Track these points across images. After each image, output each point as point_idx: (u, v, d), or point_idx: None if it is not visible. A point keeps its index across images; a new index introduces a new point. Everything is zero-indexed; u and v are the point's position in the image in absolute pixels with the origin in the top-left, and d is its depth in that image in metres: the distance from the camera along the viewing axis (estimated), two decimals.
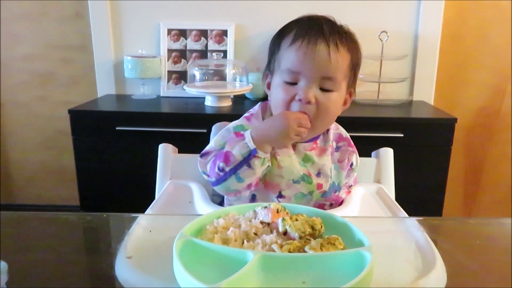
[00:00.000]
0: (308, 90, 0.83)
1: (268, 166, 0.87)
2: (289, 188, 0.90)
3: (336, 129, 0.98)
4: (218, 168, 0.85)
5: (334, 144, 0.96)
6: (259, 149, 0.83)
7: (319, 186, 0.91)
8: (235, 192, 0.88)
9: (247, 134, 0.85)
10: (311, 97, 0.83)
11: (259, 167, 0.84)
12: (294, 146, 0.92)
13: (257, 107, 0.96)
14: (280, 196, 0.91)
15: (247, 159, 0.83)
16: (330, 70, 0.83)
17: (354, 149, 0.98)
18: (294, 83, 0.85)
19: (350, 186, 1.00)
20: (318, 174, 0.92)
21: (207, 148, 0.92)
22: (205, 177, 0.91)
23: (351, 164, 0.97)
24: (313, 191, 0.91)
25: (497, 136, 2.20)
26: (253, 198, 0.92)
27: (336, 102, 0.87)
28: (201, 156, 0.92)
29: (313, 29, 0.83)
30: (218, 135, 0.93)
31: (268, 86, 0.93)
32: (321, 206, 0.93)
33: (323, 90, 0.84)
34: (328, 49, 0.82)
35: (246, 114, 0.96)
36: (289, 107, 0.86)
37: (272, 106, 0.91)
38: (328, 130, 0.96)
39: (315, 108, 0.84)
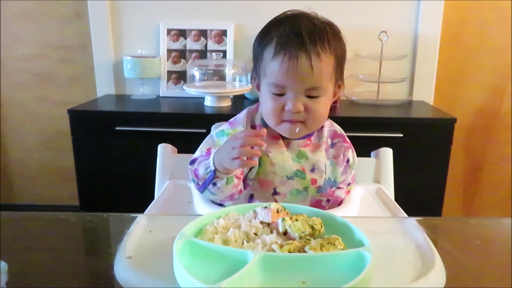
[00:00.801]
0: (295, 102, 0.84)
1: (240, 188, 0.87)
2: (283, 184, 0.91)
3: (330, 126, 0.99)
4: (194, 181, 0.88)
5: (329, 141, 0.97)
6: (219, 170, 0.82)
7: (313, 181, 0.92)
8: (219, 200, 0.90)
9: (212, 154, 0.84)
10: (299, 107, 0.84)
11: (225, 186, 0.84)
12: (288, 143, 0.93)
13: (242, 113, 0.96)
14: (275, 193, 0.91)
15: (210, 179, 0.84)
16: (314, 81, 0.83)
17: (350, 144, 0.99)
18: (282, 94, 0.85)
19: (349, 184, 1.00)
20: (312, 170, 0.92)
21: (194, 155, 0.93)
22: (193, 183, 0.92)
23: (348, 160, 0.98)
24: (308, 187, 0.92)
25: (497, 136, 2.20)
26: (251, 197, 0.92)
27: (325, 104, 0.88)
28: (190, 164, 0.92)
29: (293, 40, 0.82)
30: (204, 142, 0.94)
31: (258, 88, 0.94)
32: (318, 202, 0.94)
33: (310, 97, 0.85)
34: (310, 61, 0.81)
35: (231, 119, 0.97)
36: (280, 117, 0.87)
37: (264, 114, 0.91)
38: (322, 127, 0.96)
39: (306, 114, 0.86)
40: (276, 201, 0.90)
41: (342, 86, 0.93)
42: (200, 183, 0.86)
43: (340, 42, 0.87)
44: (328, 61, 0.84)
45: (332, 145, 0.97)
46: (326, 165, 0.94)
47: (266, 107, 0.88)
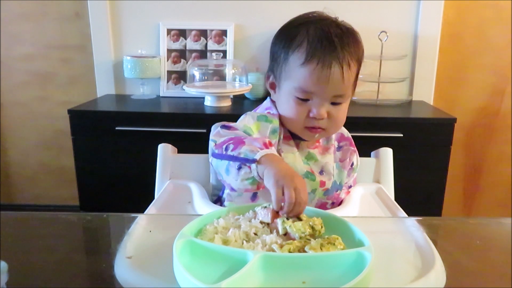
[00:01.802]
0: (321, 108, 0.85)
1: (253, 188, 0.78)
2: None
3: None
4: (226, 146, 0.78)
5: (336, 144, 0.98)
6: (257, 165, 0.73)
7: (322, 183, 0.92)
8: (219, 179, 0.84)
9: (269, 151, 0.75)
10: (323, 113, 0.85)
11: (244, 178, 0.74)
12: (297, 144, 0.93)
13: (270, 104, 0.95)
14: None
15: (242, 160, 0.75)
16: (342, 89, 0.85)
17: (355, 148, 0.99)
18: (306, 99, 0.86)
19: (350, 187, 1.00)
20: (321, 172, 0.93)
21: (233, 124, 0.88)
22: (212, 144, 0.85)
23: (352, 164, 0.98)
24: (316, 189, 0.92)
25: (497, 136, 2.20)
26: (254, 195, 0.91)
27: (345, 110, 0.90)
28: (222, 127, 0.86)
29: (326, 48, 0.82)
30: (244, 119, 0.90)
31: (272, 86, 0.93)
32: (324, 205, 0.94)
33: (334, 103, 0.86)
34: (341, 70, 0.82)
35: (266, 110, 0.94)
36: (304, 123, 0.87)
37: (284, 117, 0.90)
38: None
39: (328, 121, 0.87)
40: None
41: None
42: (227, 152, 0.76)
43: (361, 48, 0.88)
44: (354, 69, 0.86)
45: (339, 148, 0.98)
46: (333, 168, 0.94)
47: (289, 111, 0.88)
